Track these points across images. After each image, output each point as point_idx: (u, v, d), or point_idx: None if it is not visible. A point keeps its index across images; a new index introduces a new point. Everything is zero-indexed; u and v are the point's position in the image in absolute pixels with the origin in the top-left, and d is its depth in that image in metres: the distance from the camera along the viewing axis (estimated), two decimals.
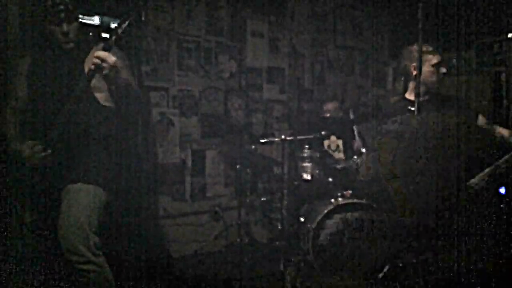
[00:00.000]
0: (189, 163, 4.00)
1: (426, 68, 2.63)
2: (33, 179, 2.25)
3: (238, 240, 3.68)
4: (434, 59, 2.67)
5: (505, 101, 3.94)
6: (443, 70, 2.70)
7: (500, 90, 4.16)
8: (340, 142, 4.09)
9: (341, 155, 4.01)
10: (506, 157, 2.53)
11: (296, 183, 3.52)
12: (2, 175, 2.34)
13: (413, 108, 2.32)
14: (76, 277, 2.17)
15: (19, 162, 2.24)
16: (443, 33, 4.49)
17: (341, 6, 5.11)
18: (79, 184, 2.25)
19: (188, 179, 3.99)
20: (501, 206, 2.84)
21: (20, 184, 2.27)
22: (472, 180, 2.58)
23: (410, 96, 2.82)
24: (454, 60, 4.71)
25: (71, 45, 2.29)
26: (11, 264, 2.32)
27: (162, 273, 3.37)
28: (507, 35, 3.66)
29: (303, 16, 4.80)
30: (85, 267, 2.13)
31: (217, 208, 4.07)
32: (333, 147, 4.05)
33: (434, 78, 2.70)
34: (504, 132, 2.75)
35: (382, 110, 3.06)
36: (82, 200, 2.21)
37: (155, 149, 3.73)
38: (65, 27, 2.22)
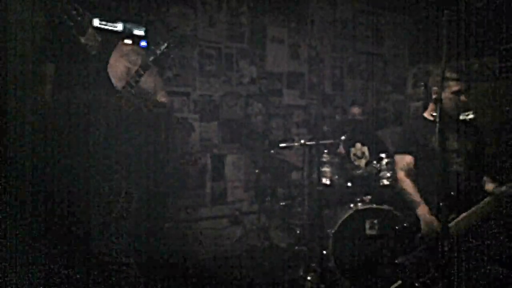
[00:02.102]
0: (210, 167, 4.05)
1: (446, 94, 2.67)
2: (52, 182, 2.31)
3: (258, 244, 3.70)
4: (455, 87, 2.70)
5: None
6: (463, 98, 2.72)
7: None
8: (365, 149, 4.10)
9: (362, 161, 4.01)
10: None
11: (316, 188, 3.53)
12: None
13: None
14: (107, 278, 2.22)
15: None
16: (466, 39, 4.47)
17: (361, 12, 5.12)
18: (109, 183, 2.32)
19: (208, 184, 4.04)
20: None
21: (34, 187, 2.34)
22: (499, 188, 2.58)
23: (428, 115, 2.85)
24: (476, 65, 4.68)
25: (94, 52, 2.37)
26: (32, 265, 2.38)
27: (186, 275, 3.41)
28: None
29: (323, 22, 4.82)
30: (116, 267, 2.19)
31: (237, 213, 4.10)
32: (359, 154, 4.05)
33: (452, 105, 2.72)
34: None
35: (402, 118, 3.08)
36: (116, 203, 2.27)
37: (177, 153, 3.79)
38: (83, 39, 2.31)
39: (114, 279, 2.23)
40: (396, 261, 2.52)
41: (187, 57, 3.92)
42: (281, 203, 3.81)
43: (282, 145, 3.55)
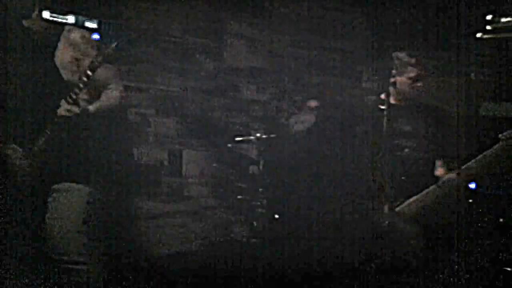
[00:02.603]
0: (166, 163, 4.02)
1: (403, 79, 2.71)
2: (17, 180, 2.26)
3: (217, 239, 3.70)
4: (412, 72, 2.74)
5: (475, 100, 4.01)
6: (419, 84, 2.76)
7: (470, 89, 4.24)
8: None
9: None
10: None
11: (272, 180, 3.56)
12: None
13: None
14: (65, 278, 2.18)
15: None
16: (425, 34, 4.56)
17: (321, 8, 5.16)
18: (65, 183, 2.27)
19: (165, 179, 4.00)
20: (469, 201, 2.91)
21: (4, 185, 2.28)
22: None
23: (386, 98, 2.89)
24: (429, 60, 4.78)
25: (39, 37, 2.29)
26: None
27: (143, 274, 3.38)
28: (475, 35, 3.74)
29: (283, 17, 4.83)
30: (73, 267, 2.15)
31: (195, 208, 4.08)
32: None
33: (407, 91, 2.77)
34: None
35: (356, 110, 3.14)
36: (68, 200, 2.23)
37: (132, 150, 3.74)
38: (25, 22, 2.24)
39: (68, 279, 2.18)
40: None
41: (143, 51, 3.87)
42: (239, 197, 3.81)
43: (238, 139, 3.56)
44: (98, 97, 2.46)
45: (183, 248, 3.93)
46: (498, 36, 3.64)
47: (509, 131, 2.46)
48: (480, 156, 2.51)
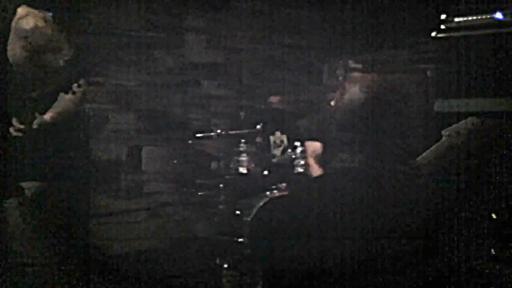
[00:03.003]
0: (125, 159, 3.94)
1: (351, 83, 2.77)
2: None
3: (177, 236, 3.66)
4: (359, 74, 2.79)
5: (430, 97, 4.14)
6: (366, 84, 2.82)
7: (425, 86, 4.38)
8: (284, 138, 4.16)
9: (279, 150, 4.08)
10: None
11: (232, 177, 3.55)
12: None
13: None
14: (18, 278, 2.10)
15: None
16: (376, 31, 4.68)
17: (281, 4, 5.18)
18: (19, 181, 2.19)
19: (123, 176, 3.93)
20: None
21: None
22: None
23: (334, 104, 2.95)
24: (385, 58, 4.91)
25: None
26: None
27: (99, 273, 3.31)
28: (430, 34, 3.85)
29: (242, 12, 4.83)
30: (27, 269, 2.08)
31: (154, 205, 4.03)
32: (278, 142, 4.11)
33: (357, 91, 2.82)
34: None
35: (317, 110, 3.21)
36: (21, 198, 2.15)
37: (89, 146, 3.64)
38: None
39: (21, 280, 2.11)
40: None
41: (100, 45, 3.78)
42: (200, 193, 3.79)
43: (198, 135, 3.53)
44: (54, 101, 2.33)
45: (141, 246, 3.87)
46: (452, 35, 3.77)
47: (451, 127, 2.54)
48: (425, 153, 2.58)
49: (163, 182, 4.13)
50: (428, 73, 4.28)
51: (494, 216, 3.25)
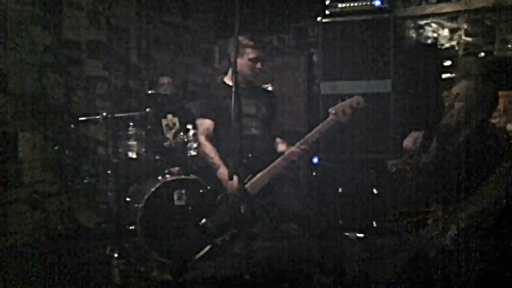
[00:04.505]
0: None
1: (243, 61, 2.80)
2: None
3: (61, 227, 3.43)
4: (252, 54, 2.82)
5: (316, 80, 4.32)
6: (259, 65, 2.86)
7: (311, 69, 4.57)
8: (176, 120, 4.07)
9: (170, 134, 3.99)
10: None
11: (122, 162, 3.39)
12: None
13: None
14: None
15: None
16: (263, 16, 4.75)
17: None
18: None
19: None
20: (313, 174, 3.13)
21: None
22: None
23: (228, 80, 2.94)
24: (274, 41, 5.02)
25: None
26: None
27: None
28: (316, 18, 4.00)
29: None
30: None
31: (34, 195, 3.71)
32: (170, 125, 4.00)
33: (249, 72, 2.85)
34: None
35: (208, 90, 3.19)
36: None
37: None
38: None
39: None
40: (200, 223, 2.58)
41: None
42: (85, 181, 3.57)
43: (82, 118, 3.30)
44: None
45: (23, 239, 3.56)
46: (336, 19, 3.94)
47: (337, 105, 2.68)
48: (314, 130, 2.70)
49: (44, 170, 3.80)
50: (314, 57, 4.46)
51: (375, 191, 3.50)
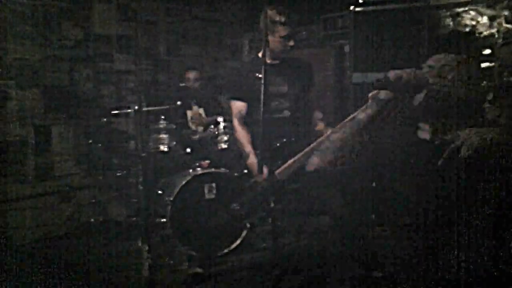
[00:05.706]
0: (32, 140, 3.60)
1: (275, 38, 2.70)
2: None
3: (92, 220, 3.46)
4: (283, 32, 2.73)
5: (348, 71, 4.23)
6: (291, 43, 2.77)
7: (343, 61, 4.48)
8: (202, 111, 4.06)
9: (200, 126, 3.98)
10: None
11: (153, 156, 3.39)
12: None
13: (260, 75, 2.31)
14: None
15: None
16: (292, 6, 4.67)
17: None
18: None
19: (31, 158, 3.59)
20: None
21: None
22: None
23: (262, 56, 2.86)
24: (304, 33, 4.94)
25: None
26: None
27: (7, 262, 3.05)
28: (349, 9, 3.90)
29: None
30: None
31: (66, 188, 3.75)
32: (195, 117, 4.00)
33: (280, 49, 2.77)
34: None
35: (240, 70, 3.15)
36: None
37: None
38: None
39: None
40: (231, 207, 2.56)
41: None
42: (117, 174, 3.59)
43: (114, 112, 3.31)
44: None
45: (54, 232, 3.61)
46: (369, 8, 3.84)
47: (374, 92, 2.57)
48: (352, 115, 2.60)
49: (76, 164, 3.84)
50: (346, 48, 4.34)
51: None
